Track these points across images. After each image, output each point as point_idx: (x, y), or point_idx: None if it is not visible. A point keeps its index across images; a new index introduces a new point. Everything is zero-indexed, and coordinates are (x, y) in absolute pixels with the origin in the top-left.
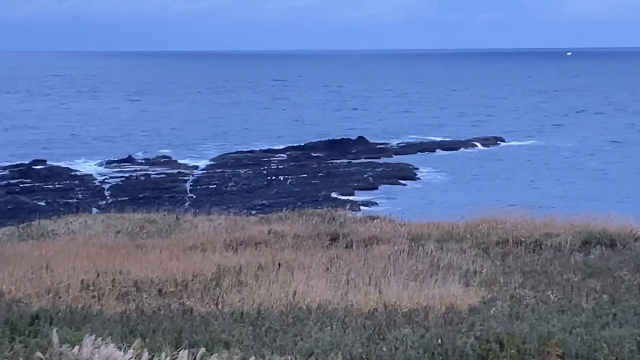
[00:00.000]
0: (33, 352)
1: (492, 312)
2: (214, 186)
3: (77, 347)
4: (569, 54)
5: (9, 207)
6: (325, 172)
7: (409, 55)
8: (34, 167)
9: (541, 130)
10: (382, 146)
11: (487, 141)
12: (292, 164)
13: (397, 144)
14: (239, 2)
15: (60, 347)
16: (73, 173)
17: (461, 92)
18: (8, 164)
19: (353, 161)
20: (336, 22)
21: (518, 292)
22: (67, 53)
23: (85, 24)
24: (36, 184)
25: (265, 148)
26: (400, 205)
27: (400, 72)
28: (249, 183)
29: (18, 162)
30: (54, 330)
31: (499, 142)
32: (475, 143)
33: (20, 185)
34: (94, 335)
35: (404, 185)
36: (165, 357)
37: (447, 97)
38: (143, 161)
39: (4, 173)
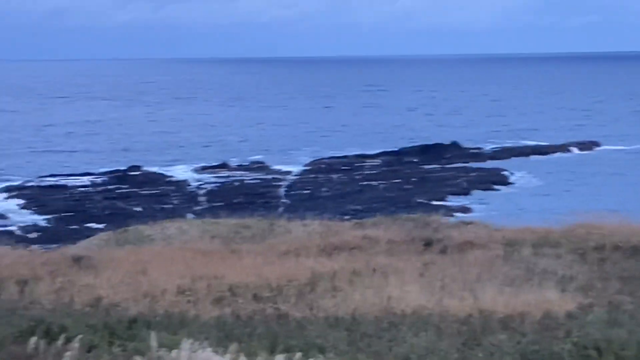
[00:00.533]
0: (132, 356)
1: (589, 318)
2: (308, 191)
3: (175, 351)
4: None
5: (106, 213)
6: (419, 178)
7: (503, 60)
8: (130, 173)
9: (639, 134)
10: (475, 151)
11: (583, 145)
12: (385, 169)
13: (491, 148)
14: (333, 7)
15: (158, 351)
16: (168, 179)
17: (557, 96)
18: (105, 170)
19: (446, 166)
20: (430, 26)
21: (616, 298)
22: (163, 60)
23: (181, 31)
24: (132, 190)
25: (358, 153)
26: (494, 210)
27: (495, 77)
28: (343, 188)
29: (115, 168)
30: (153, 334)
31: (595, 146)
32: (571, 147)
33: (117, 191)
34: (191, 339)
35: (498, 190)
36: None
37: (542, 101)
38: (237, 167)
39: (102, 179)
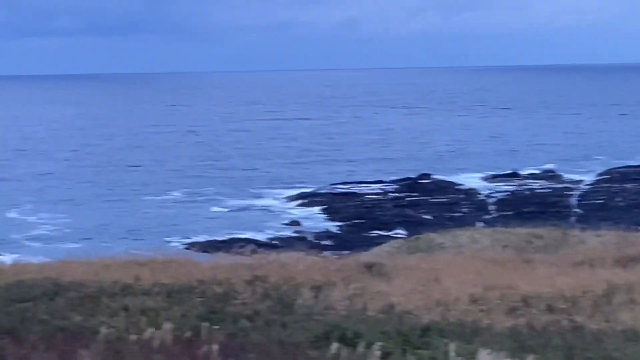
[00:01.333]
0: None
1: None
2: (601, 201)
3: None
4: None
5: (396, 220)
6: None
7: None
8: (420, 181)
9: None
10: None
11: None
12: None
13: None
14: (628, 13)
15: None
16: (458, 187)
17: None
18: (396, 178)
19: None
20: None
21: None
22: (454, 68)
23: (472, 39)
24: (422, 198)
25: None
26: None
27: None
28: (638, 198)
29: (405, 176)
30: (450, 343)
31: None
32: None
33: (407, 199)
34: (487, 349)
35: None
36: None
37: None
38: (528, 175)
39: (392, 187)
